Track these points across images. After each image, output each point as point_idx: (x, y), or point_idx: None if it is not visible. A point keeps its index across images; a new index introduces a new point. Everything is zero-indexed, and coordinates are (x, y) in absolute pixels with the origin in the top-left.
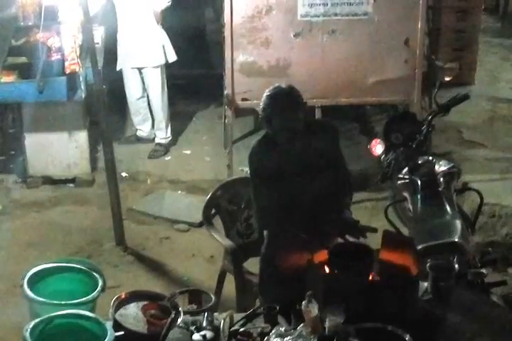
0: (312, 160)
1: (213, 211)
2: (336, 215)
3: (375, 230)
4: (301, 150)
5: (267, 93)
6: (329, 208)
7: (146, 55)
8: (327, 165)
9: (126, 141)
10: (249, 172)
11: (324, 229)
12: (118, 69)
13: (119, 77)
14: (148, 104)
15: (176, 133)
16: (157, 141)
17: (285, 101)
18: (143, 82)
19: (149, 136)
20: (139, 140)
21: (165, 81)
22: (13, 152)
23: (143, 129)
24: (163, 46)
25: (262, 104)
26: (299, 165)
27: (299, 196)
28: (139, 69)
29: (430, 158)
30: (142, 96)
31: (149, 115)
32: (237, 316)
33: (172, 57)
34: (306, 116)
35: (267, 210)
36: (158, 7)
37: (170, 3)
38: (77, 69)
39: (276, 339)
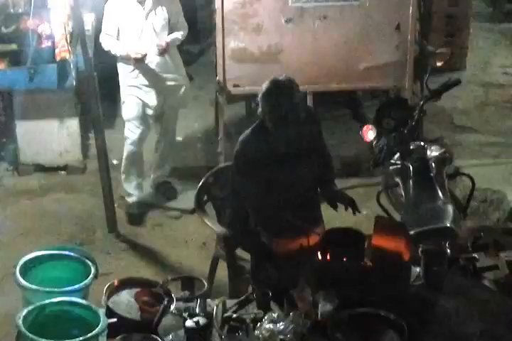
0: (300, 145)
1: (205, 197)
2: (326, 188)
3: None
4: (291, 136)
5: (265, 86)
6: (315, 191)
7: None
8: (313, 150)
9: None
10: (234, 157)
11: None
12: None
13: (110, 64)
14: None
15: None
16: None
17: (283, 95)
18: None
19: None
20: None
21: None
22: (4, 140)
23: None
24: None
25: (260, 99)
26: (288, 150)
27: (289, 181)
28: None
29: (422, 143)
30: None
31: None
32: (230, 302)
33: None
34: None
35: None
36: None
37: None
38: (67, 57)
39: (269, 325)
